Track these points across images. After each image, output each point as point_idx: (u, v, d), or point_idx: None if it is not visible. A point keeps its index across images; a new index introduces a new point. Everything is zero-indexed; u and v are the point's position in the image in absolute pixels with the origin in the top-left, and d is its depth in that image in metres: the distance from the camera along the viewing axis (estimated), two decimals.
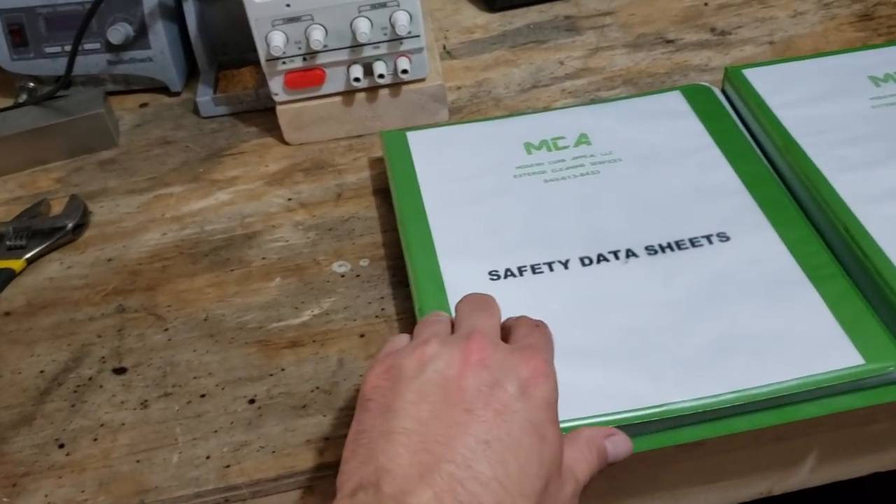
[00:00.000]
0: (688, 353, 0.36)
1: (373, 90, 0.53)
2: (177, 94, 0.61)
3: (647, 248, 0.41)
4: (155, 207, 0.52)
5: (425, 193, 0.46)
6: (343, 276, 0.46)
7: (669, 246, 0.41)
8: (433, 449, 0.27)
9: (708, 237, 0.41)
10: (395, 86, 0.53)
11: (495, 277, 0.40)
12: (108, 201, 0.53)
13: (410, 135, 0.50)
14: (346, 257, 0.47)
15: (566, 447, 0.31)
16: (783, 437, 0.40)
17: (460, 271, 0.41)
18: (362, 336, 0.42)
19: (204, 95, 0.58)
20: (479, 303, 0.34)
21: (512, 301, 0.38)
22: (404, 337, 0.34)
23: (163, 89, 0.61)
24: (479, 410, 0.28)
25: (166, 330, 0.44)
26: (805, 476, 0.43)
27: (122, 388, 0.41)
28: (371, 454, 0.28)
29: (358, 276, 0.46)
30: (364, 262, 0.46)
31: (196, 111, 0.59)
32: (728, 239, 0.41)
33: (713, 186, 0.44)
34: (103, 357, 0.43)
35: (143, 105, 0.61)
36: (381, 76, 0.52)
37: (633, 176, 0.45)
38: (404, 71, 0.52)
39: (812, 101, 0.47)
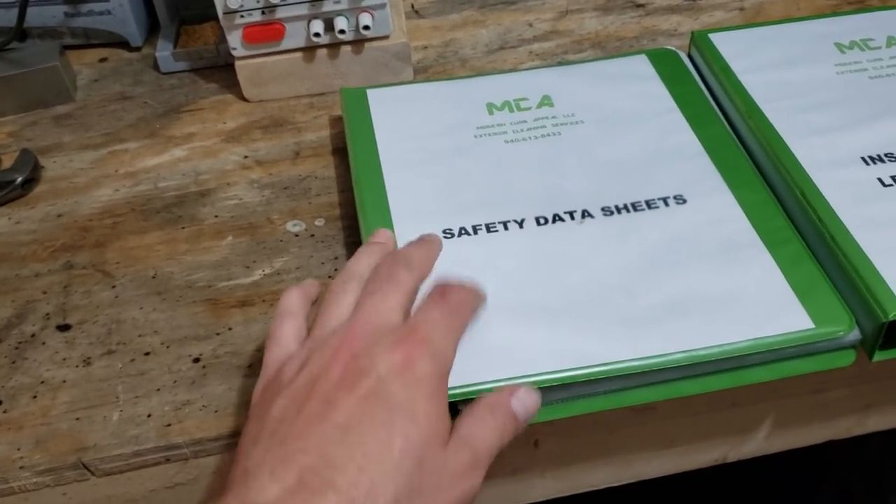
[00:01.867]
0: (639, 313, 0.35)
1: (334, 47, 0.52)
2: (137, 49, 0.59)
3: (603, 210, 0.40)
4: (109, 163, 0.51)
5: (382, 152, 0.44)
6: (297, 235, 0.45)
7: (626, 207, 0.40)
8: (290, 442, 0.28)
9: (665, 199, 0.40)
10: (358, 43, 0.52)
11: (449, 235, 0.39)
12: (61, 156, 0.52)
13: (371, 92, 0.49)
14: (301, 216, 0.46)
15: (463, 418, 0.31)
16: (737, 403, 0.40)
17: (414, 231, 0.40)
18: None
19: (164, 50, 0.57)
20: (391, 272, 0.33)
21: (465, 259, 0.38)
22: (289, 325, 0.34)
23: (123, 44, 0.59)
24: (342, 399, 0.29)
25: (113, 287, 0.43)
26: (760, 443, 0.43)
27: (66, 346, 0.40)
28: (238, 459, 0.29)
29: (312, 235, 0.45)
30: (319, 222, 0.45)
31: (156, 67, 0.57)
32: (685, 202, 0.40)
33: (673, 150, 0.43)
34: (48, 314, 0.42)
35: (103, 60, 0.59)
36: (341, 31, 0.50)
37: (595, 138, 0.44)
38: (366, 27, 0.50)
39: (777, 66, 0.46)
